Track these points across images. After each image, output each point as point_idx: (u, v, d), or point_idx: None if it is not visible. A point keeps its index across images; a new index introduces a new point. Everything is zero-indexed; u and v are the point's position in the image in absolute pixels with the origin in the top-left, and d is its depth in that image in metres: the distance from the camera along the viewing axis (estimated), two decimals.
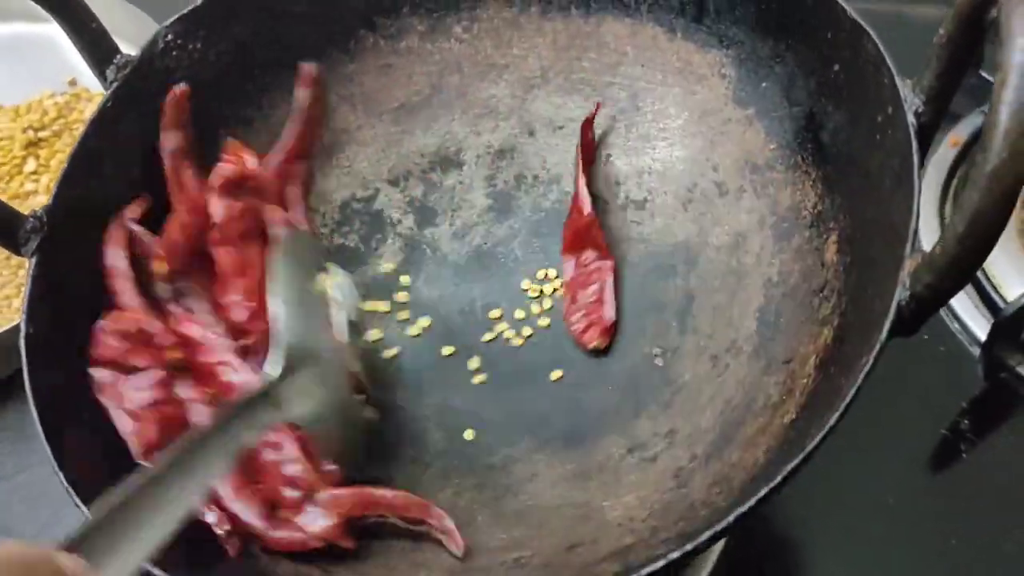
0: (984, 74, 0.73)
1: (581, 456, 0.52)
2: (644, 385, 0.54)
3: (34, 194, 0.77)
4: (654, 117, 0.59)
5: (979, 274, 0.64)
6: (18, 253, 0.49)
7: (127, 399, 0.48)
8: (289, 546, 0.46)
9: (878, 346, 0.39)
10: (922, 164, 0.42)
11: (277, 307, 0.47)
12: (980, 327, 0.62)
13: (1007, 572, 0.54)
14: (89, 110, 0.82)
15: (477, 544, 0.48)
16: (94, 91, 0.83)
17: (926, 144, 0.44)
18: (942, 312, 0.64)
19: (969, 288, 0.64)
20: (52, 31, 0.87)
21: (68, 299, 0.50)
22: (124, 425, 0.47)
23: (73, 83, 0.84)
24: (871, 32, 0.46)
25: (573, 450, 0.52)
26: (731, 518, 0.38)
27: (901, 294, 0.39)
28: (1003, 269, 0.65)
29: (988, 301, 0.63)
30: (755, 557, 0.56)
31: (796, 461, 0.38)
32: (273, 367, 0.46)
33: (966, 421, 0.60)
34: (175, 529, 0.35)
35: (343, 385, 0.50)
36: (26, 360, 0.46)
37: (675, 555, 0.38)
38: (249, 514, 0.46)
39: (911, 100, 0.43)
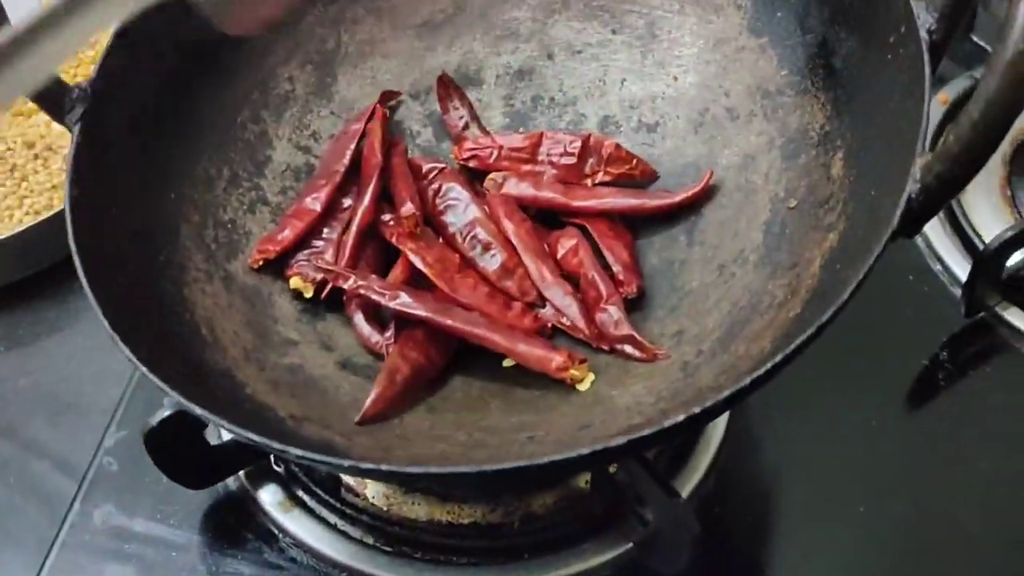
0: (975, 38, 0.77)
1: (587, 355, 0.53)
2: (651, 293, 0.56)
3: None
4: (669, 45, 0.61)
5: (960, 219, 0.68)
6: (62, 122, 0.51)
7: None
8: None
9: (888, 234, 0.42)
10: (933, 75, 0.45)
11: None
12: (961, 268, 0.66)
13: (980, 484, 0.57)
14: None
15: (492, 425, 0.51)
16: None
17: (936, 61, 0.46)
18: (924, 253, 0.67)
19: (951, 231, 0.68)
20: None
21: (107, 167, 0.52)
22: None
23: None
24: None
25: (580, 350, 0.54)
26: (747, 381, 0.41)
27: (912, 187, 0.42)
28: (984, 219, 0.68)
29: (969, 245, 0.67)
30: (745, 472, 0.59)
31: (809, 332, 0.41)
32: None
33: (945, 354, 0.63)
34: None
35: None
36: (70, 218, 0.48)
37: (696, 410, 0.40)
38: None
39: (924, 17, 0.46)
